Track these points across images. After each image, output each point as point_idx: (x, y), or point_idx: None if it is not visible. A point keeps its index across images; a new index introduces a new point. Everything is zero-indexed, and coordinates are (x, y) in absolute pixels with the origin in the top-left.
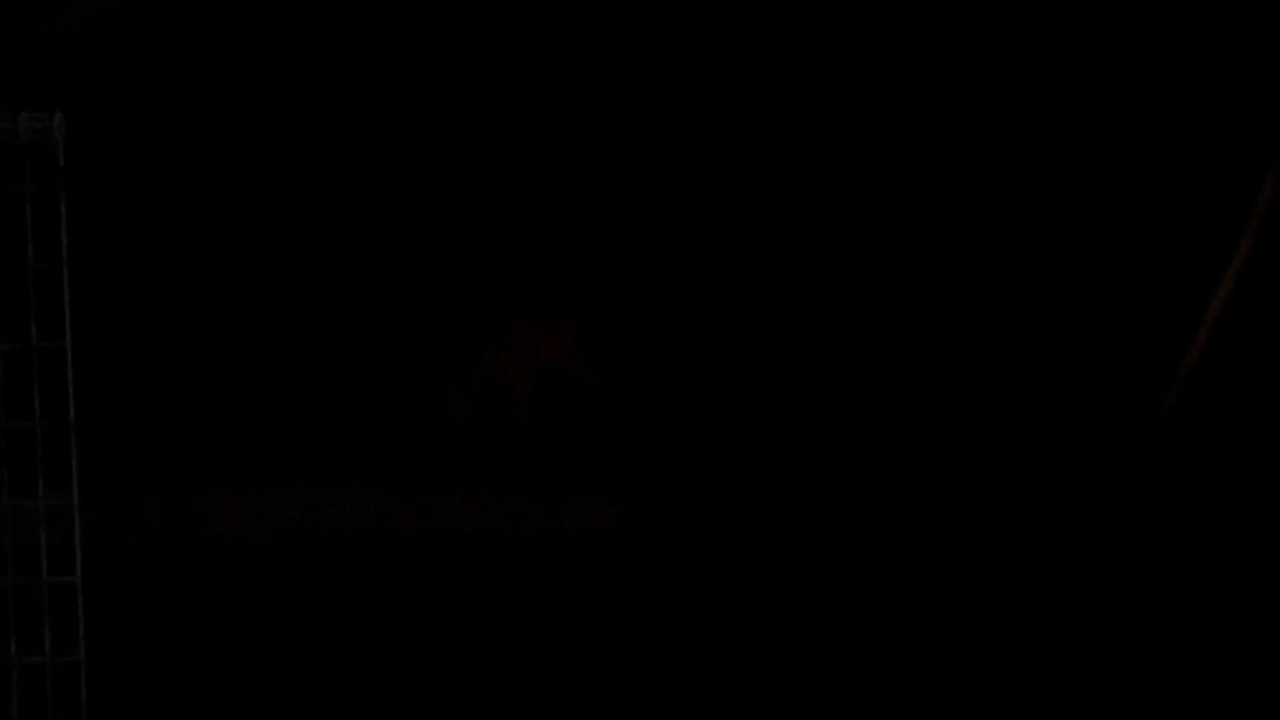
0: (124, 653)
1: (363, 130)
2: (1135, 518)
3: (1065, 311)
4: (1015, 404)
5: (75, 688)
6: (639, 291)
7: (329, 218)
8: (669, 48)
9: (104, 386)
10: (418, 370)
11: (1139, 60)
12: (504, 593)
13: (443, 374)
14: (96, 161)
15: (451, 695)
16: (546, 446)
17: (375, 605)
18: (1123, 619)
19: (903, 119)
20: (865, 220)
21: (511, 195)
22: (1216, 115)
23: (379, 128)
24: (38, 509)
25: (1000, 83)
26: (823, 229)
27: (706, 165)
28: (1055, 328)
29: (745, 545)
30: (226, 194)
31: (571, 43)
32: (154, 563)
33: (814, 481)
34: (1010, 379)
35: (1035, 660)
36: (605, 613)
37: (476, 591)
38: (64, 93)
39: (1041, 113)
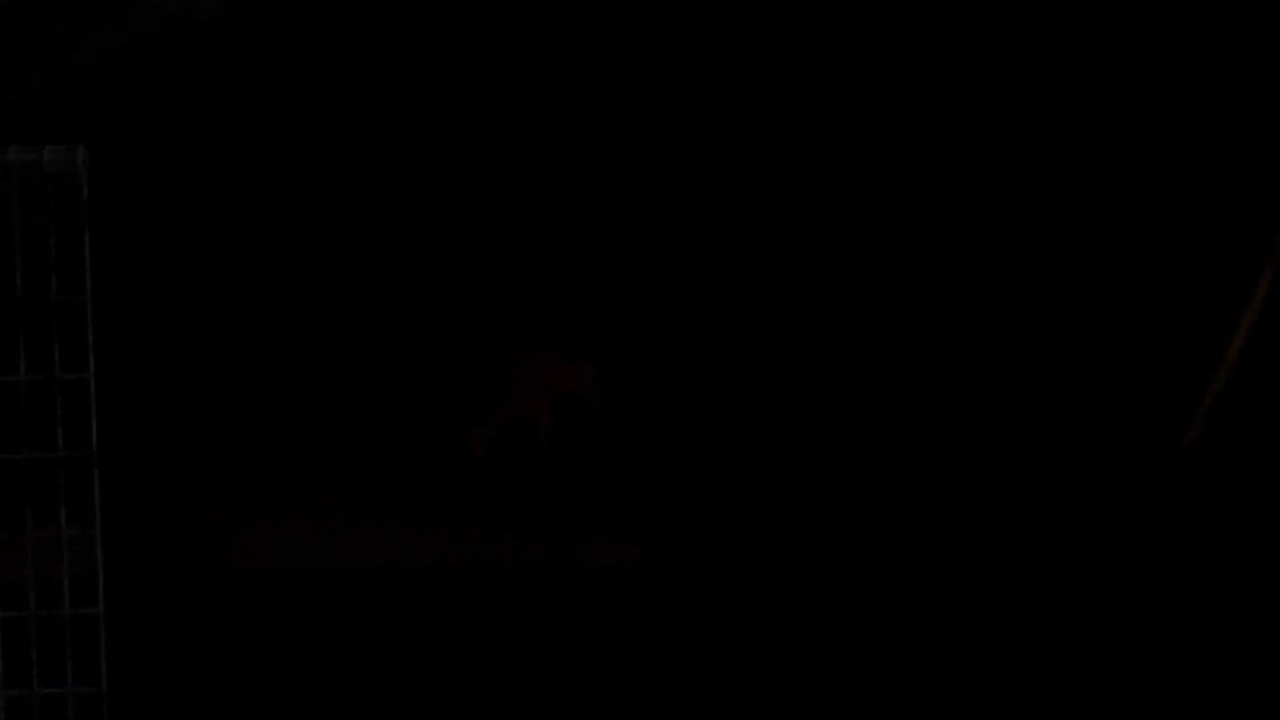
0: (145, 683)
1: (391, 171)
2: (1139, 524)
3: (1081, 323)
4: (1031, 418)
5: (97, 719)
6: (659, 325)
7: (355, 256)
8: (681, 78)
9: (127, 419)
10: (439, 405)
11: (1144, 61)
12: (524, 625)
13: (464, 408)
14: (118, 193)
15: None
16: (568, 478)
17: (396, 638)
18: (1123, 620)
19: (912, 133)
20: (889, 259)
21: (535, 234)
22: (1221, 118)
23: (406, 171)
24: (60, 539)
25: (1024, 85)
26: (841, 263)
27: (717, 199)
28: (1076, 342)
29: (767, 578)
30: (247, 226)
31: (590, 78)
32: (175, 594)
33: (838, 514)
34: (1027, 392)
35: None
36: (628, 646)
37: (497, 624)
38: (85, 125)
39: (1070, 121)
